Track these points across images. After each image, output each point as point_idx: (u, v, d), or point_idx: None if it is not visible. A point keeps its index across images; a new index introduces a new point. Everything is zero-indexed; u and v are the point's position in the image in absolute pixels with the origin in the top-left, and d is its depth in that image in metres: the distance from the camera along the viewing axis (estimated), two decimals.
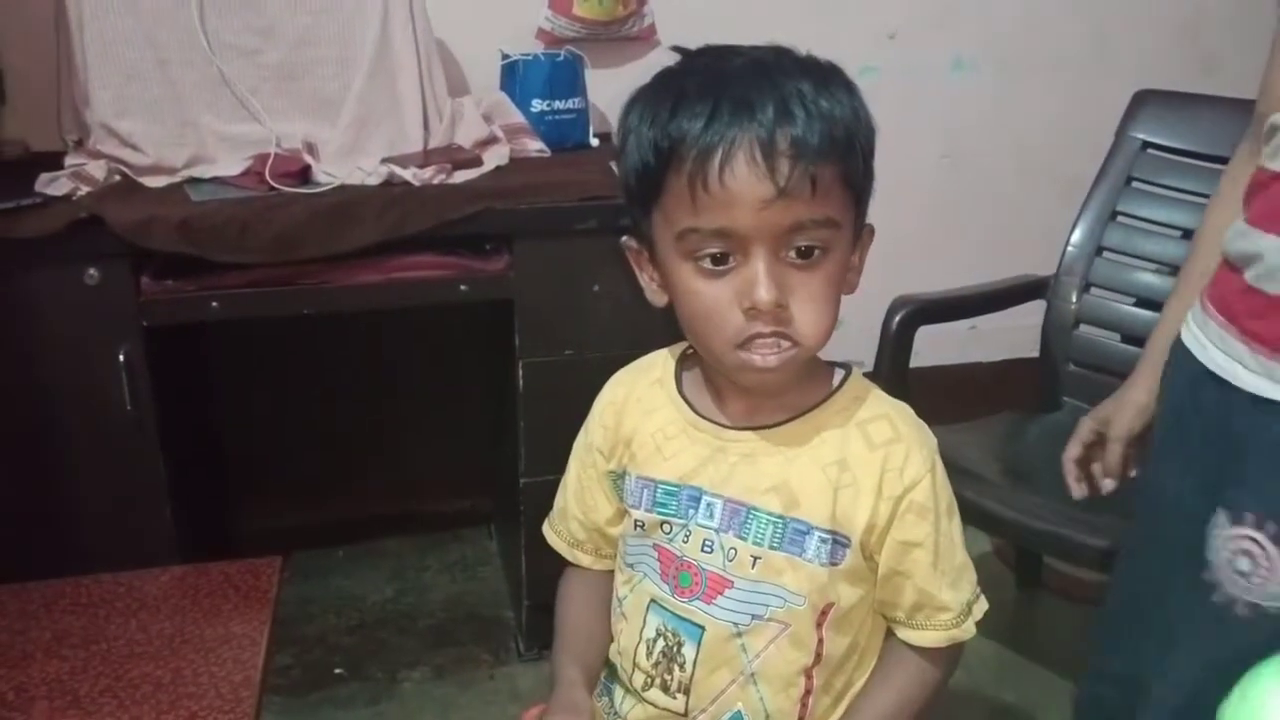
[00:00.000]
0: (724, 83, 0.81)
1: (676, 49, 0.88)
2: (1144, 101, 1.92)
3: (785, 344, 0.83)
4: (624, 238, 0.92)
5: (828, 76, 0.83)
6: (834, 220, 0.82)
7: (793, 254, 0.82)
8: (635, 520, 0.95)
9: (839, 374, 0.94)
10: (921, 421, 0.93)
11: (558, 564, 1.05)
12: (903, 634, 0.94)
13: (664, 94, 0.83)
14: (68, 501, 1.61)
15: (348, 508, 2.23)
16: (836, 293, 0.85)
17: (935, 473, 0.90)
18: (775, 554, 0.89)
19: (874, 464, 0.89)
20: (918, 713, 0.95)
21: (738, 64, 0.83)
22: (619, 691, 1.00)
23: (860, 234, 0.88)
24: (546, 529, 1.07)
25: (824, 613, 0.90)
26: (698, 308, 0.84)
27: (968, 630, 0.93)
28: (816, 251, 0.82)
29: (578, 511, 1.02)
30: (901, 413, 0.93)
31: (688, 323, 0.87)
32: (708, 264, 0.82)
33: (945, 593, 0.91)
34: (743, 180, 0.78)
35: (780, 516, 0.89)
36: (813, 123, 0.79)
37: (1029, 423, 1.91)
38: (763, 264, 0.80)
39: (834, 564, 0.89)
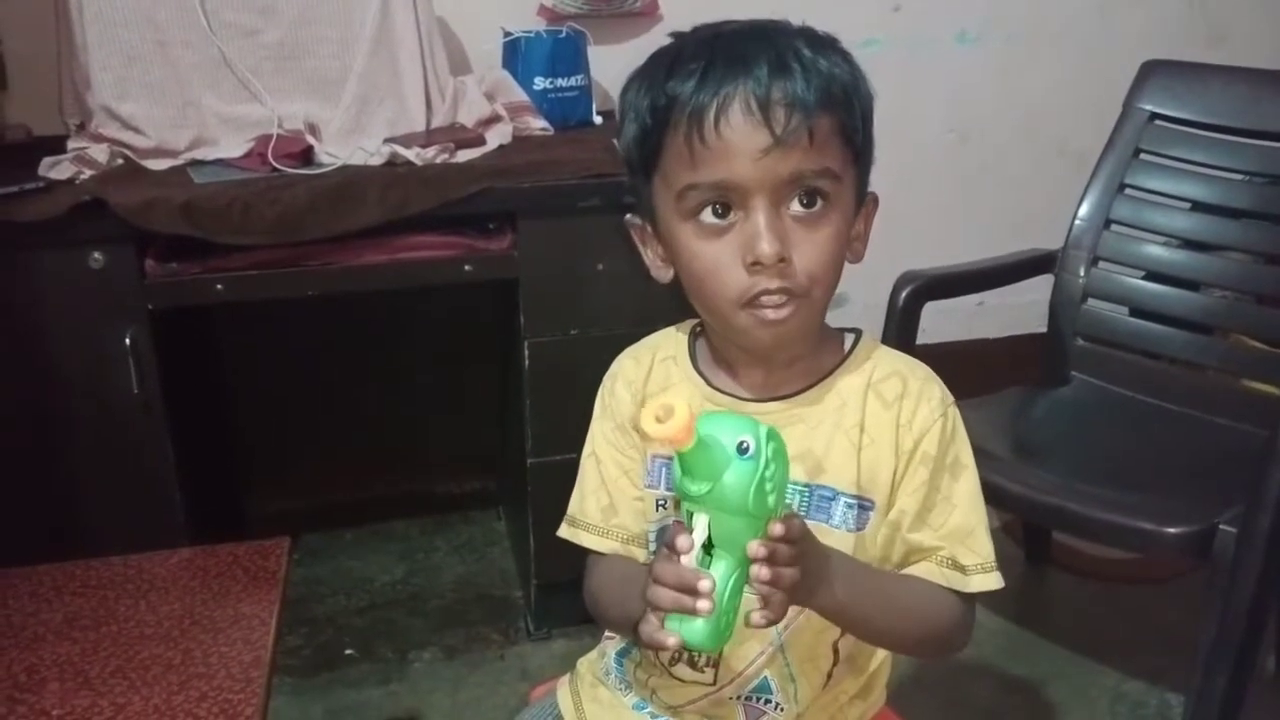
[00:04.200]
0: (718, 42, 0.82)
1: (672, 35, 0.88)
2: (1151, 72, 1.90)
3: (790, 297, 0.82)
4: (627, 216, 0.92)
5: (825, 42, 0.84)
6: (833, 171, 0.82)
7: (796, 205, 0.82)
8: (657, 500, 0.94)
9: (849, 338, 0.94)
10: (935, 375, 0.92)
11: (568, 546, 1.01)
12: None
13: (659, 63, 0.84)
14: (76, 485, 1.62)
15: (356, 489, 2.24)
16: (839, 247, 0.85)
17: (945, 422, 0.89)
18: None
19: (888, 422, 0.89)
20: (930, 613, 0.90)
21: (733, 27, 0.85)
22: (630, 666, 1.01)
23: (863, 200, 0.88)
24: (592, 540, 0.98)
25: None
26: (700, 269, 0.84)
27: (959, 579, 0.88)
28: (819, 201, 0.82)
29: (634, 493, 0.96)
30: (913, 368, 0.92)
31: (693, 287, 0.86)
32: (709, 217, 0.82)
33: (929, 541, 0.89)
34: (739, 130, 0.79)
35: (806, 484, 0.89)
36: (810, 76, 0.80)
37: (1037, 398, 1.90)
38: (763, 216, 0.81)
39: (859, 529, 0.89)
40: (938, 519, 0.89)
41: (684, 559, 0.74)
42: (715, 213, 0.82)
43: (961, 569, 0.89)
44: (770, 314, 0.83)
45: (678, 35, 0.87)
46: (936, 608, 0.90)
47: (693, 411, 0.69)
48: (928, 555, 0.90)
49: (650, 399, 0.77)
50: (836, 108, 0.81)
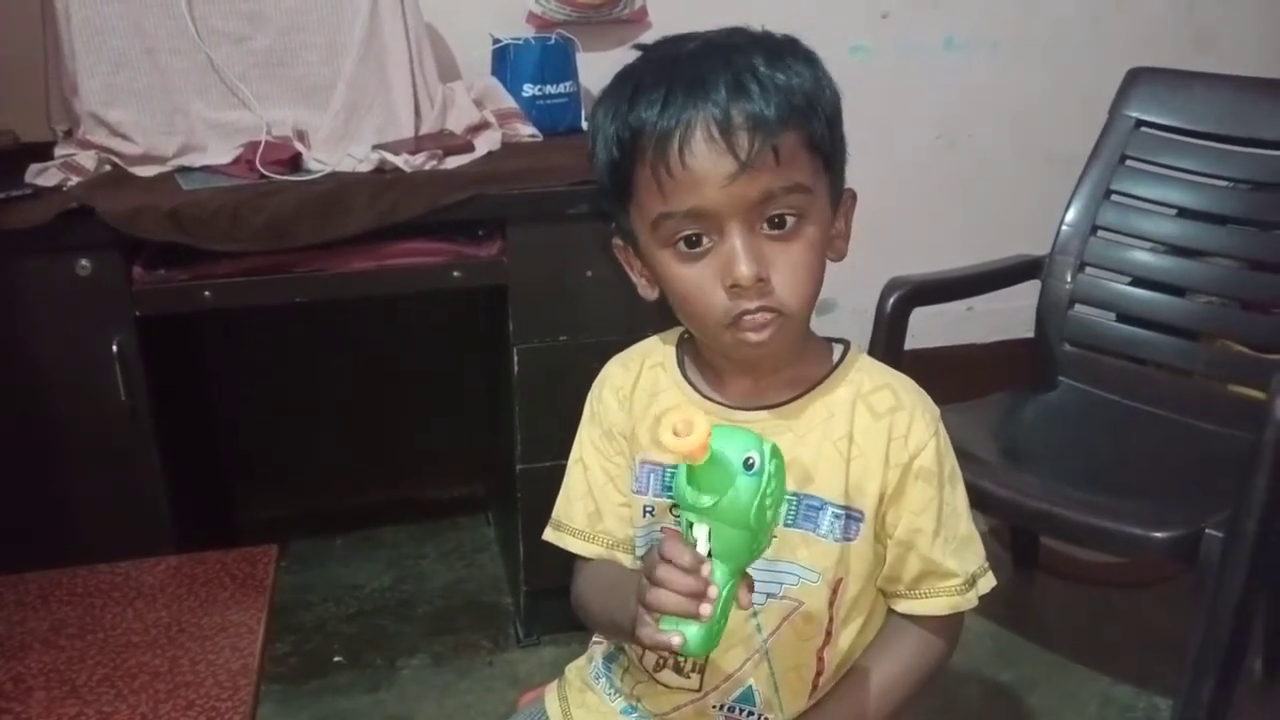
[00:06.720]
0: (676, 67, 0.82)
1: (637, 46, 0.89)
2: (1137, 79, 1.91)
3: (772, 315, 0.83)
4: (613, 239, 0.93)
5: (783, 49, 0.84)
6: (803, 185, 0.82)
7: (767, 225, 0.82)
8: (644, 506, 0.95)
9: (838, 349, 0.94)
10: (923, 390, 0.93)
11: (557, 552, 1.02)
12: (905, 606, 0.94)
13: (623, 88, 0.85)
14: (63, 493, 1.61)
15: (345, 496, 2.23)
16: (817, 259, 0.85)
17: (939, 438, 0.91)
18: (790, 531, 0.89)
19: (879, 433, 0.89)
20: (919, 683, 0.95)
21: (690, 48, 0.85)
22: (618, 672, 1.01)
23: (840, 199, 0.89)
24: (578, 545, 0.99)
25: (835, 590, 0.91)
26: (682, 292, 0.85)
27: (970, 600, 0.93)
28: (790, 219, 0.83)
29: (619, 499, 0.97)
30: (903, 382, 0.93)
31: (678, 307, 0.88)
32: (684, 247, 0.83)
33: (949, 560, 0.91)
34: (703, 158, 0.80)
35: (794, 494, 0.89)
36: (767, 94, 0.80)
37: (1025, 403, 1.91)
38: (739, 240, 0.81)
39: (847, 539, 0.90)
40: (950, 530, 0.92)
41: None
42: (689, 242, 0.83)
43: (973, 581, 0.92)
44: (753, 335, 0.84)
45: (642, 49, 0.88)
46: (919, 661, 0.95)
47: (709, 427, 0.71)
48: (943, 580, 0.92)
49: (668, 412, 0.80)
50: (799, 120, 0.81)
